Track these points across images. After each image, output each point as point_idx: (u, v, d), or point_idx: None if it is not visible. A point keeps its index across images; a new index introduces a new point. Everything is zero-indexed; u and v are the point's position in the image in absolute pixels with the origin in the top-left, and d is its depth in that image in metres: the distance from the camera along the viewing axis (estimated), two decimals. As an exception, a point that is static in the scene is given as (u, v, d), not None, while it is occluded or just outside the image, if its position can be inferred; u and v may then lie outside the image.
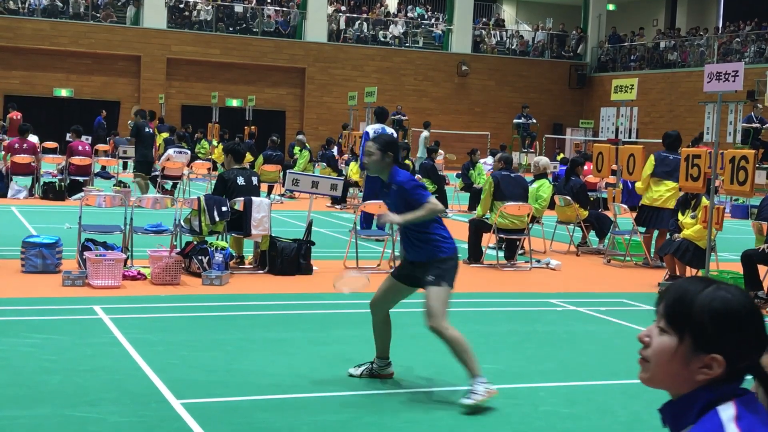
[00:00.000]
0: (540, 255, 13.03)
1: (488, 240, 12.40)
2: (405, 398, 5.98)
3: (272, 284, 10.09)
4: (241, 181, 10.71)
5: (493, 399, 5.71)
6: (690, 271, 10.78)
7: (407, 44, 40.16)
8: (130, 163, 22.42)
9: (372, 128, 14.62)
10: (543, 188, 13.58)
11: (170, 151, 19.91)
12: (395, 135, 15.07)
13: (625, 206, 12.93)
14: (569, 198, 13.69)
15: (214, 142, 26.55)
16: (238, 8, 37.83)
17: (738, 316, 1.89)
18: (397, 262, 6.50)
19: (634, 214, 12.69)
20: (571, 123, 39.87)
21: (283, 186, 16.87)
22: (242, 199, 10.48)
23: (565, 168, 16.62)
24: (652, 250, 12.58)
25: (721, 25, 39.73)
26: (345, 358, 6.70)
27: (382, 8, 41.89)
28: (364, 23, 39.87)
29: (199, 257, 10.07)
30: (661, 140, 12.64)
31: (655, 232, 12.49)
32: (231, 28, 37.32)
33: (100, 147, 23.27)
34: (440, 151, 27.23)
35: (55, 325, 7.67)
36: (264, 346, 7.24)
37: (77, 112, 32.50)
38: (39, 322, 7.81)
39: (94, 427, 5.18)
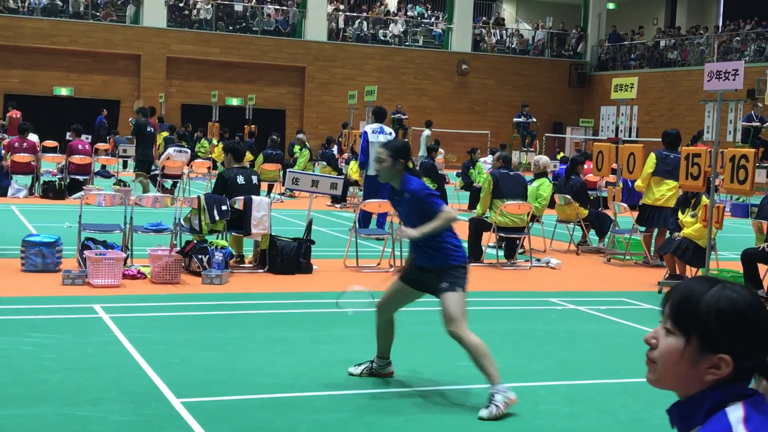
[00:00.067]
0: (540, 254, 13.03)
1: (488, 239, 12.39)
2: (405, 397, 5.97)
3: (272, 283, 10.08)
4: (241, 180, 10.70)
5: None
6: (690, 270, 10.77)
7: (407, 43, 40.15)
8: (130, 162, 22.41)
9: (370, 127, 14.60)
10: (543, 187, 13.57)
11: (170, 150, 19.88)
12: (394, 134, 15.07)
13: (625, 205, 12.92)
14: (569, 197, 13.68)
15: (214, 141, 26.55)
16: (238, 7, 37.82)
17: (744, 316, 1.88)
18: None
19: (634, 213, 12.68)
20: (571, 122, 39.86)
21: (283, 185, 16.87)
22: (242, 198, 10.47)
23: (565, 167, 16.61)
24: (652, 248, 12.57)
25: (721, 24, 39.73)
26: (345, 358, 6.69)
27: (382, 7, 41.88)
28: (364, 22, 39.86)
29: (199, 256, 10.06)
30: (660, 139, 12.64)
31: (655, 231, 12.48)
32: (231, 27, 37.30)
33: (100, 146, 23.26)
34: (440, 150, 27.22)
35: (55, 324, 7.67)
36: (264, 345, 7.23)
37: (77, 111, 32.46)
38: (39, 321, 7.80)
39: (95, 426, 5.17)
